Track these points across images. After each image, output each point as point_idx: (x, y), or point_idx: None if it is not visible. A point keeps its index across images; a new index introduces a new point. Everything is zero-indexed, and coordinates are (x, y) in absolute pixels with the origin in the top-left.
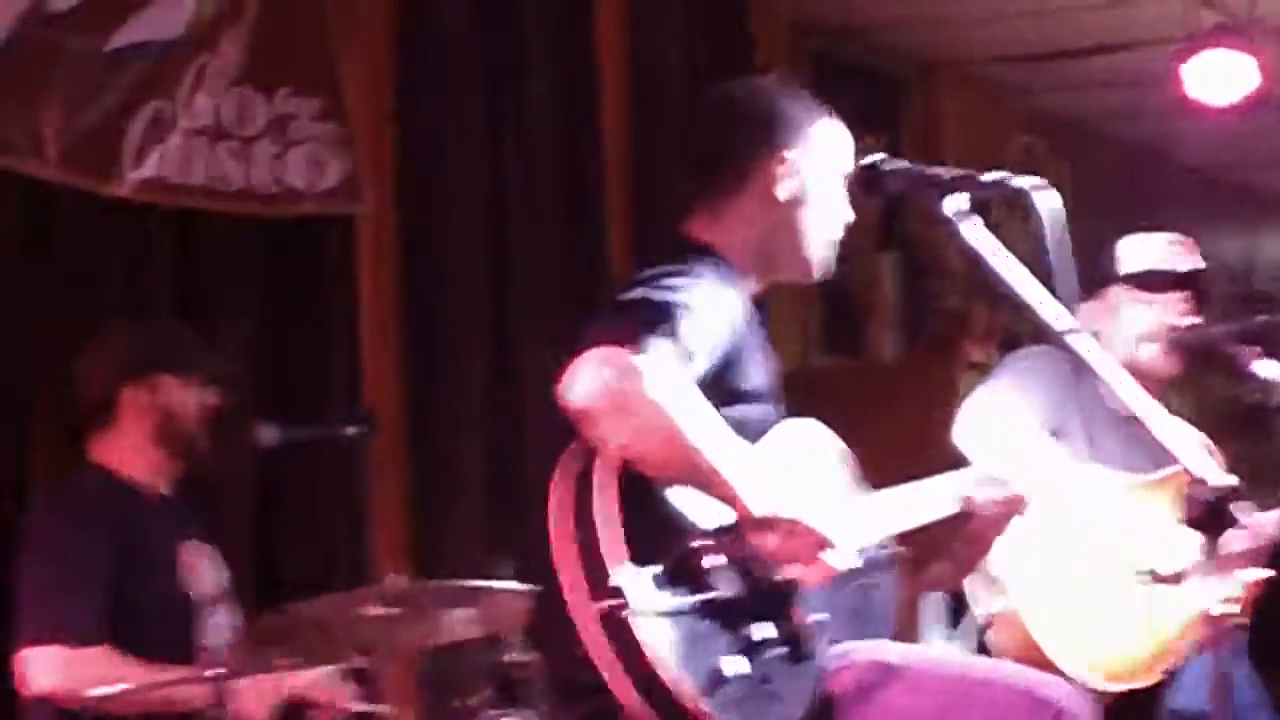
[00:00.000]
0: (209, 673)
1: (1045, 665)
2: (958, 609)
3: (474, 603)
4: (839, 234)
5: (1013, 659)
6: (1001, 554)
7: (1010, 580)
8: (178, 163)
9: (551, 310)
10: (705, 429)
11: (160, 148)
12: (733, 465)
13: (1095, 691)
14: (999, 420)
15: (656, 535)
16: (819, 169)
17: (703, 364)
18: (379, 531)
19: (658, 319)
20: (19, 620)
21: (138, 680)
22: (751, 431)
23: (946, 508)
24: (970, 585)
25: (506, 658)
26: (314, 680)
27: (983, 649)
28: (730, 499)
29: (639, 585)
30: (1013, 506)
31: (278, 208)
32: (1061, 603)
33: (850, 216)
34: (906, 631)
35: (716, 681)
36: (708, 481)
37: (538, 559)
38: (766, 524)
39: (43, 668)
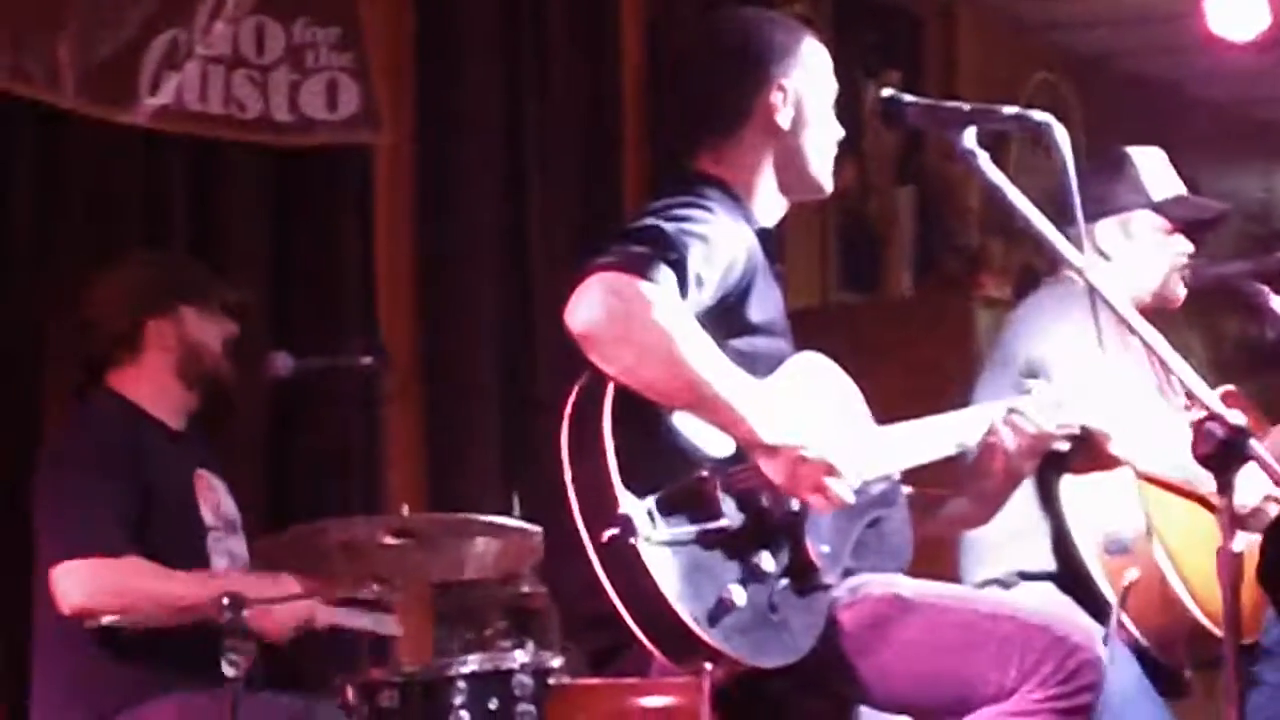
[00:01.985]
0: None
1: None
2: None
3: (489, 536)
4: (834, 149)
5: (1155, 619)
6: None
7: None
8: (194, 91)
9: (568, 242)
10: (710, 357)
11: (176, 76)
12: (739, 393)
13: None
14: (1095, 360)
15: (662, 464)
16: (812, 89)
17: (711, 293)
18: (393, 464)
19: (668, 247)
20: (44, 542)
21: (172, 586)
22: (761, 364)
23: (958, 444)
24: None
25: (520, 591)
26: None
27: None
28: (736, 426)
29: (644, 514)
30: (1039, 442)
31: (294, 137)
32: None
33: (841, 133)
34: (940, 570)
35: (722, 610)
36: (713, 408)
37: (548, 490)
38: (772, 451)
39: (76, 581)
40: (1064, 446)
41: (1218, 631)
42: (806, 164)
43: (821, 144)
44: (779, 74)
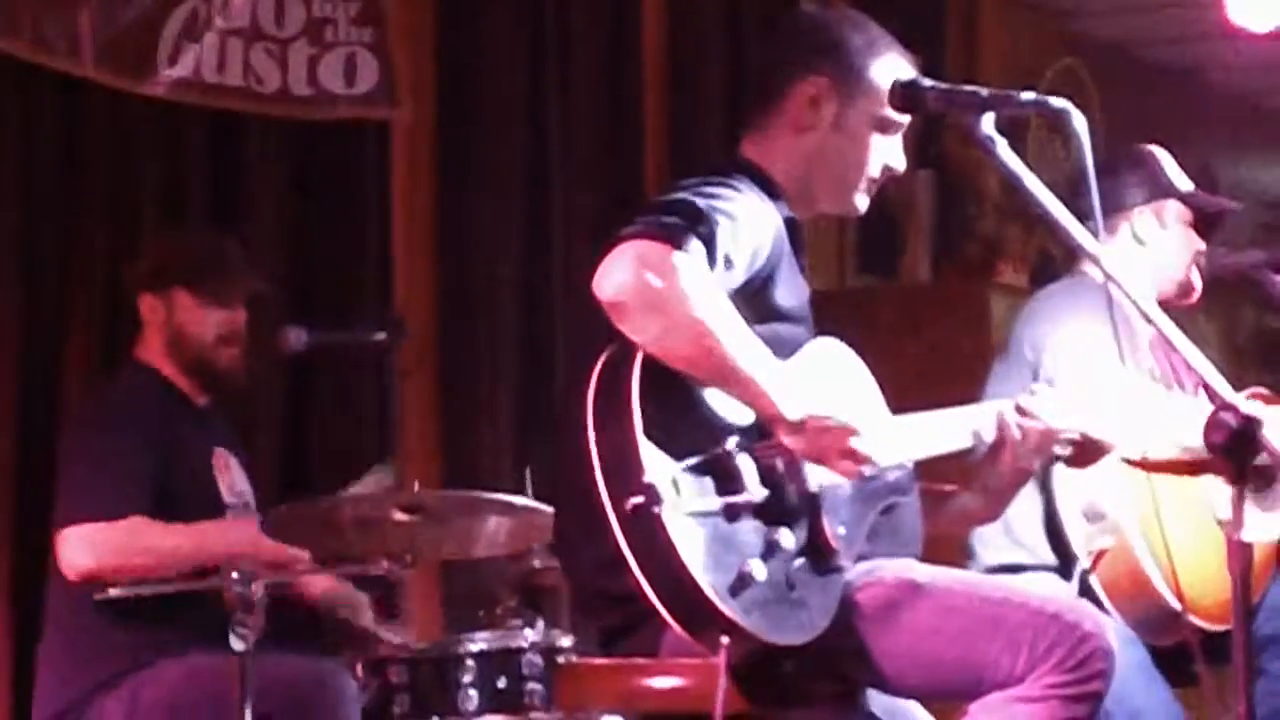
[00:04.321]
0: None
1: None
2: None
3: (501, 514)
4: (877, 176)
5: (1125, 594)
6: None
7: (1120, 517)
8: (213, 63)
9: (588, 218)
10: (738, 331)
11: (195, 48)
12: (764, 368)
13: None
14: (1096, 359)
15: (688, 435)
16: (865, 104)
17: (740, 274)
18: (408, 439)
19: (698, 221)
20: (57, 508)
21: (174, 540)
22: (782, 349)
23: (969, 439)
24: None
25: (530, 569)
26: (339, 593)
27: (1085, 590)
28: (759, 399)
29: (669, 484)
30: (1048, 438)
31: (313, 111)
32: (1168, 537)
33: (903, 166)
34: (947, 557)
35: (742, 583)
36: (737, 381)
37: (566, 463)
38: (796, 426)
39: (79, 547)
40: (1066, 451)
41: (1176, 607)
42: (839, 174)
43: (856, 161)
44: (830, 71)
